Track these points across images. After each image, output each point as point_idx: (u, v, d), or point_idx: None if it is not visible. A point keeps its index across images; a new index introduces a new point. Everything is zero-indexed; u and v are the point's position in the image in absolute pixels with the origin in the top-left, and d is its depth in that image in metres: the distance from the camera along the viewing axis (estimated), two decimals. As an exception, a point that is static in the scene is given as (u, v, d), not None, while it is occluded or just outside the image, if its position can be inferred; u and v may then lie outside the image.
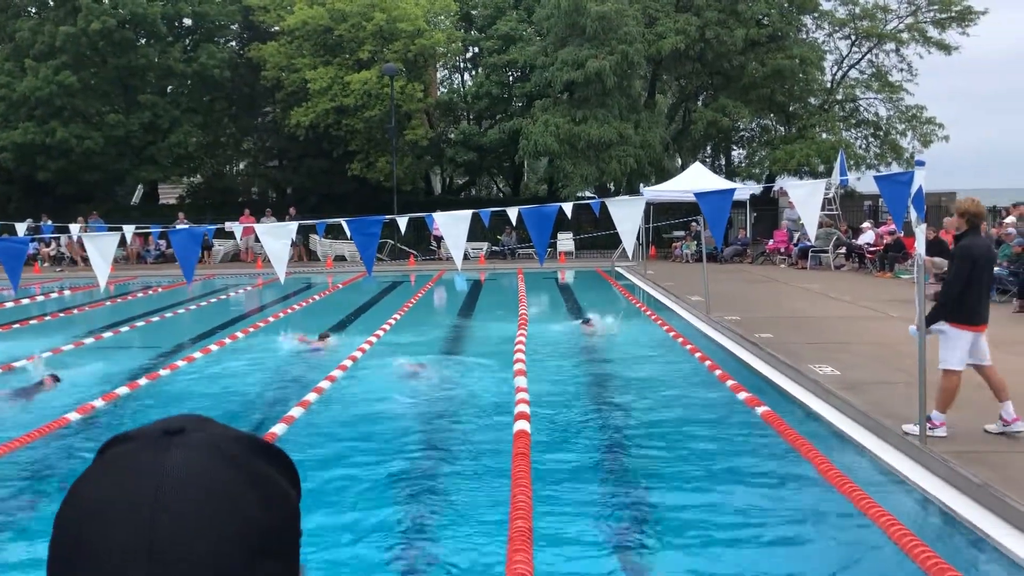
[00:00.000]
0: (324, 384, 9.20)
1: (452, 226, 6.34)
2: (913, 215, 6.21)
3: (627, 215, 6.25)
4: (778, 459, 6.63)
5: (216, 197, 34.01)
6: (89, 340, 12.76)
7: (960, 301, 6.32)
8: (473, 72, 34.87)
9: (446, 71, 36.81)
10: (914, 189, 6.09)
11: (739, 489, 6.00)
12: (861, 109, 32.99)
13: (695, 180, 23.21)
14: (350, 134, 29.81)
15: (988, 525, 5.06)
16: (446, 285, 22.41)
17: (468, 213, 6.26)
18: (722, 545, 5.02)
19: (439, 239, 28.50)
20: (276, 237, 5.93)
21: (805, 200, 6.24)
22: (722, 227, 6.41)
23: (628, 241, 6.60)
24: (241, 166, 37.15)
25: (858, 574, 4.73)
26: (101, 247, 6.51)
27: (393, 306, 16.47)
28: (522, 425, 7.20)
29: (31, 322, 15.37)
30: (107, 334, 13.56)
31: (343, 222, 6.77)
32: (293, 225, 6.04)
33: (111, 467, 0.75)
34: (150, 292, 20.93)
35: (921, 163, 6.12)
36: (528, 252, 28.49)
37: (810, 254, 22.38)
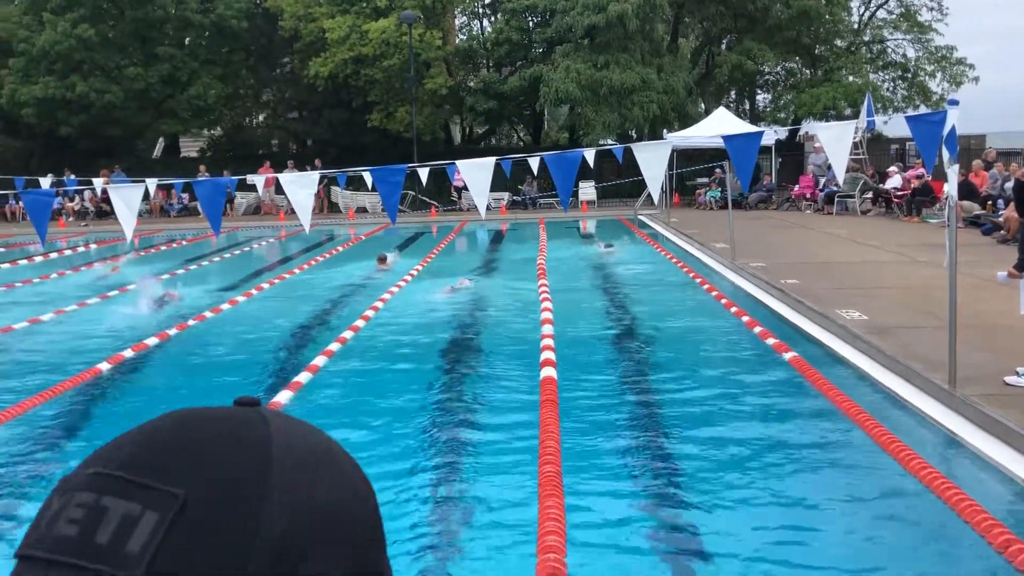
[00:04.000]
0: (345, 334, 9.26)
1: (475, 174, 6.29)
2: (945, 156, 6.08)
3: (652, 159, 6.17)
4: (806, 403, 6.61)
5: (237, 150, 33.99)
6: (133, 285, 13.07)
7: None
8: (492, 18, 34.38)
9: (465, 18, 36.32)
10: (946, 129, 5.95)
11: (767, 433, 6.01)
12: (889, 50, 32.30)
13: (720, 125, 22.87)
14: (369, 84, 29.57)
15: (1020, 468, 5.03)
16: (468, 235, 22.39)
17: (491, 160, 6.19)
18: (750, 487, 5.03)
19: (460, 190, 28.39)
20: (300, 187, 5.92)
21: (834, 142, 6.12)
22: (749, 171, 6.32)
23: (654, 187, 6.51)
24: (261, 118, 37.03)
25: (885, 515, 4.73)
26: (127, 199, 6.52)
27: (417, 256, 16.51)
28: (548, 372, 7.22)
29: (67, 272, 15.54)
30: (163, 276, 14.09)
31: (366, 172, 6.73)
32: (316, 175, 6.02)
33: None
34: (173, 245, 21.07)
35: (954, 102, 5.98)
36: (549, 202, 28.33)
37: (836, 199, 22.09)
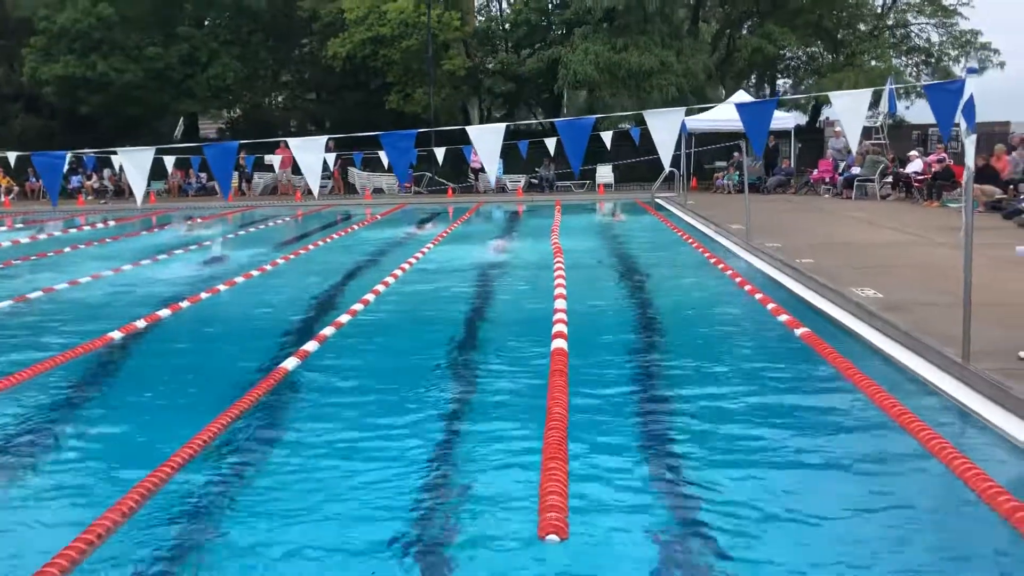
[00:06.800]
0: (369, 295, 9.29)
1: (486, 139, 6.26)
2: (963, 125, 5.98)
3: (664, 125, 6.11)
4: (817, 378, 6.56)
5: (255, 131, 34.08)
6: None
7: None
8: None
9: (484, -1, 36.21)
10: (964, 98, 5.86)
11: (776, 404, 5.96)
12: (912, 35, 31.91)
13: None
14: (387, 65, 29.53)
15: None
16: (484, 215, 22.37)
17: (502, 126, 6.17)
18: (762, 463, 5.00)
19: (476, 171, 28.36)
20: (308, 151, 5.93)
21: (849, 110, 6.04)
22: (763, 140, 6.24)
23: (665, 154, 6.45)
24: (279, 99, 37.12)
25: (889, 481, 4.68)
26: (137, 163, 6.54)
27: (432, 233, 16.52)
28: (559, 343, 7.20)
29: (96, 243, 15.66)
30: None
31: (379, 138, 6.72)
32: (323, 139, 6.04)
33: None
34: (189, 223, 21.15)
35: (974, 70, 5.87)
36: (566, 184, 28.23)
37: (855, 183, 21.87)
